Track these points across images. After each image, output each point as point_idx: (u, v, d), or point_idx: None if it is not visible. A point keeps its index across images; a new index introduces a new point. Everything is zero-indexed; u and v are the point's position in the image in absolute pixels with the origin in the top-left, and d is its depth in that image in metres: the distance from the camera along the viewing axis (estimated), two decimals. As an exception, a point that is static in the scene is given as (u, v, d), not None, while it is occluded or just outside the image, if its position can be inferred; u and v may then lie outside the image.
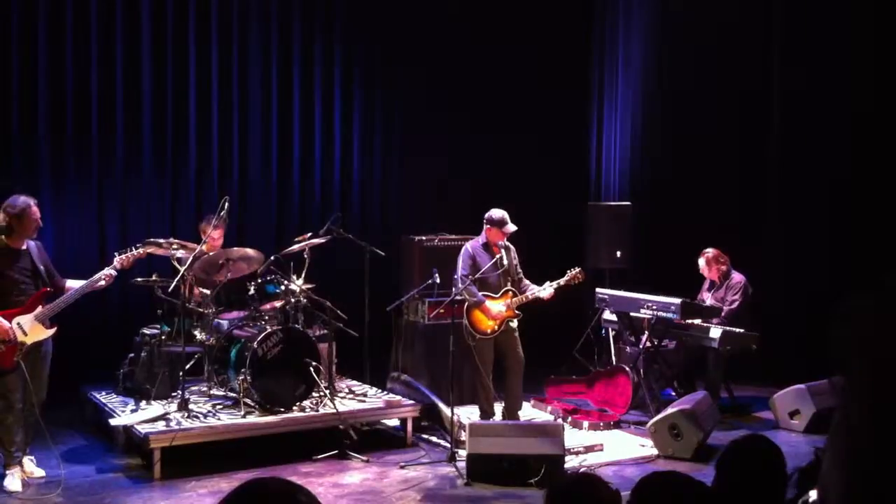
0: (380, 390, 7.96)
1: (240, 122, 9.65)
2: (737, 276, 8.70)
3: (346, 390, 7.89)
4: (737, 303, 8.54)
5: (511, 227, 7.58)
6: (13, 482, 6.17)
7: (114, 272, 6.47)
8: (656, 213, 10.31)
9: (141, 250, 6.72)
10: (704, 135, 10.30)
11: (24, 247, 6.29)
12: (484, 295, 7.49)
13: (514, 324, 7.63)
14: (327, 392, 7.30)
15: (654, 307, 8.10)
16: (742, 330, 8.26)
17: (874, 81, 9.20)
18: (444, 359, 7.36)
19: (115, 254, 6.66)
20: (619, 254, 9.72)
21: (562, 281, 7.59)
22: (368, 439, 7.40)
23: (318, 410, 7.18)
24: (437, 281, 7.43)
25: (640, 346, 8.37)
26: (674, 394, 8.48)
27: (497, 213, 7.61)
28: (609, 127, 11.31)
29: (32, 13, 8.52)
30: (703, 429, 7.03)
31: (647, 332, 8.36)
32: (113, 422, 6.94)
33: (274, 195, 9.85)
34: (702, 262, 8.80)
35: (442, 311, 7.66)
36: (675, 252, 9.52)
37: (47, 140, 8.67)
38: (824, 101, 9.51)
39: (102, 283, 6.43)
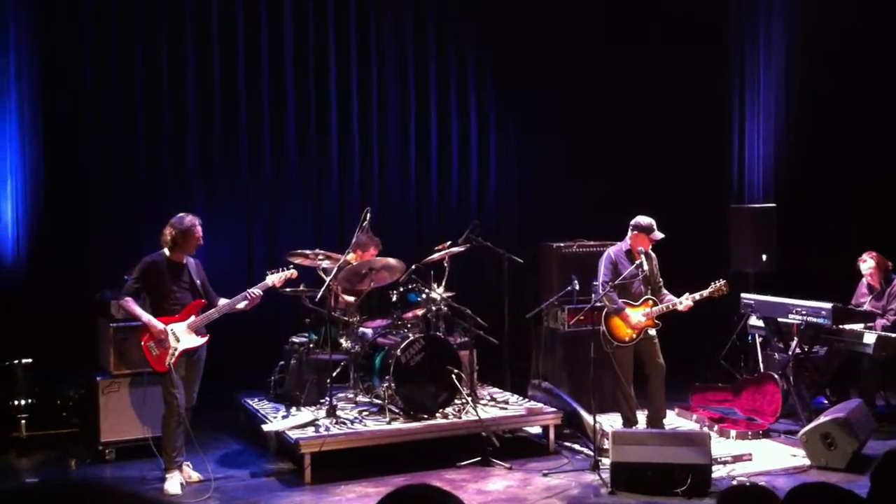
0: (521, 397, 7.98)
1: (379, 134, 9.87)
2: None
3: (488, 397, 7.95)
4: None
5: (658, 235, 7.45)
6: (173, 485, 6.48)
7: (259, 292, 6.72)
8: (802, 214, 9.94)
9: (292, 271, 6.97)
10: (848, 133, 9.91)
11: (184, 261, 6.68)
12: (623, 302, 7.41)
13: (653, 332, 7.51)
14: (469, 399, 7.38)
15: (804, 312, 7.82)
16: (898, 335, 7.89)
17: None
18: (584, 366, 7.34)
19: (267, 272, 6.92)
20: (764, 257, 9.43)
21: (705, 293, 7.36)
22: (511, 446, 7.44)
23: (460, 417, 7.27)
24: (577, 287, 7.40)
25: (790, 353, 8.10)
26: (826, 402, 8.19)
27: (645, 219, 7.49)
28: (751, 128, 11.00)
29: (179, 18, 8.97)
30: (858, 438, 6.75)
31: (796, 338, 8.08)
32: (265, 427, 7.20)
33: (412, 205, 10.02)
34: (869, 264, 8.41)
35: (582, 317, 7.62)
36: (822, 255, 9.17)
37: (196, 160, 9.13)
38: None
39: (243, 304, 6.69)
